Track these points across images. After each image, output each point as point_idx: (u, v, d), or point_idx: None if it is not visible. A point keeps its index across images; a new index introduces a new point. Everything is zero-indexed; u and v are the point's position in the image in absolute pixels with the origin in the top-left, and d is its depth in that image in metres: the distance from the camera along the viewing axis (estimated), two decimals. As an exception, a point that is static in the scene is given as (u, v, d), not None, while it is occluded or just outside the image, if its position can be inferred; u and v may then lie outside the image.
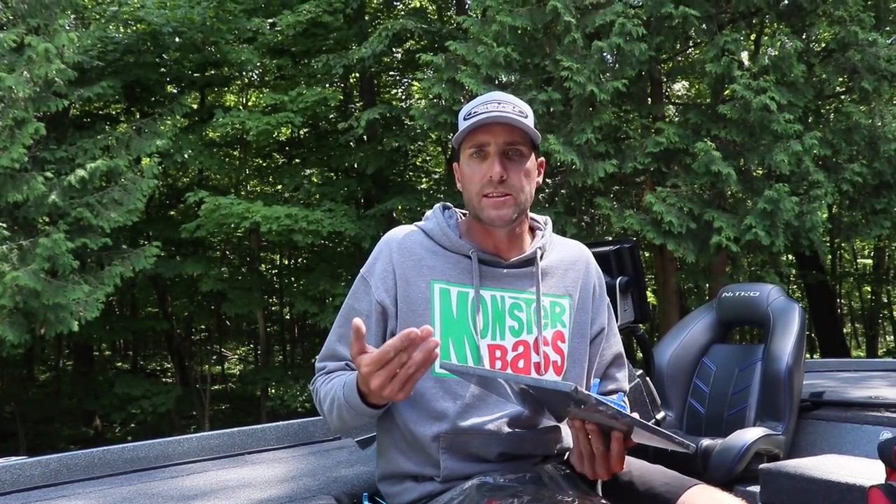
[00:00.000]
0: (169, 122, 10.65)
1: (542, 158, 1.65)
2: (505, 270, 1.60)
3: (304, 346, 18.34)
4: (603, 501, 1.45)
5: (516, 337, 1.58)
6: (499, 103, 1.54)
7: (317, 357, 1.66)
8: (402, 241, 1.61)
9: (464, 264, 1.59)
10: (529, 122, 1.56)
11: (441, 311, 1.55)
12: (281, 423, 2.42)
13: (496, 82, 8.97)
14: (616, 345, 1.76)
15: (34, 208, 8.73)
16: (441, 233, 1.61)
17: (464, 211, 1.68)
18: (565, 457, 1.60)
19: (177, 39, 11.29)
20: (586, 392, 1.19)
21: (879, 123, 8.80)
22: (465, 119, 1.56)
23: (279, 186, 13.10)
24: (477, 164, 1.55)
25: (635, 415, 1.31)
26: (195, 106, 12.20)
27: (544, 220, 1.72)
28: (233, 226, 10.82)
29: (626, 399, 1.73)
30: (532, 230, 1.69)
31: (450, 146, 13.82)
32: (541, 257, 1.64)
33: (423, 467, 1.54)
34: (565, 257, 1.69)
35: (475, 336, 1.54)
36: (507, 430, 1.54)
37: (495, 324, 1.57)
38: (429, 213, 1.69)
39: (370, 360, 1.27)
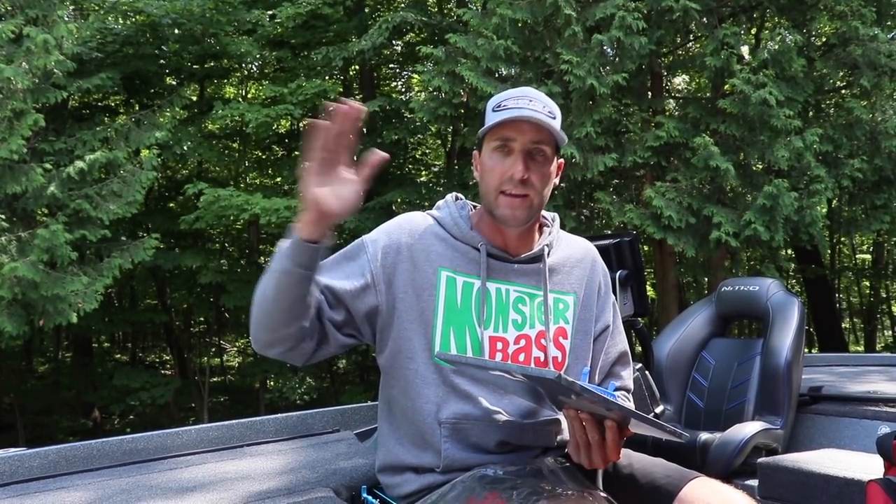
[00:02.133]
0: (168, 113, 10.62)
1: (561, 160, 1.64)
2: (514, 266, 1.60)
3: (303, 338, 18.28)
4: (603, 494, 1.44)
5: (519, 330, 1.57)
6: (530, 100, 1.53)
7: None
8: (415, 225, 1.60)
9: (472, 255, 1.58)
10: (557, 123, 1.55)
11: (445, 298, 1.55)
12: (279, 415, 2.41)
13: (496, 75, 8.95)
14: (621, 343, 1.76)
15: (33, 200, 8.71)
16: (452, 223, 1.61)
17: (475, 203, 1.67)
18: (565, 450, 1.60)
19: (176, 31, 11.24)
20: (570, 379, 1.19)
21: (880, 119, 8.80)
22: (493, 111, 1.54)
23: (278, 178, 13.07)
24: (499, 159, 1.53)
25: (626, 403, 1.31)
26: (194, 98, 12.18)
27: (552, 217, 1.72)
28: (232, 218, 10.79)
29: (628, 396, 1.72)
30: (540, 227, 1.69)
31: (449, 139, 13.83)
32: (548, 254, 1.63)
33: (423, 458, 1.54)
34: (572, 255, 1.69)
35: (477, 327, 1.54)
36: (507, 418, 1.54)
37: (498, 316, 1.56)
38: (440, 202, 1.68)
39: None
